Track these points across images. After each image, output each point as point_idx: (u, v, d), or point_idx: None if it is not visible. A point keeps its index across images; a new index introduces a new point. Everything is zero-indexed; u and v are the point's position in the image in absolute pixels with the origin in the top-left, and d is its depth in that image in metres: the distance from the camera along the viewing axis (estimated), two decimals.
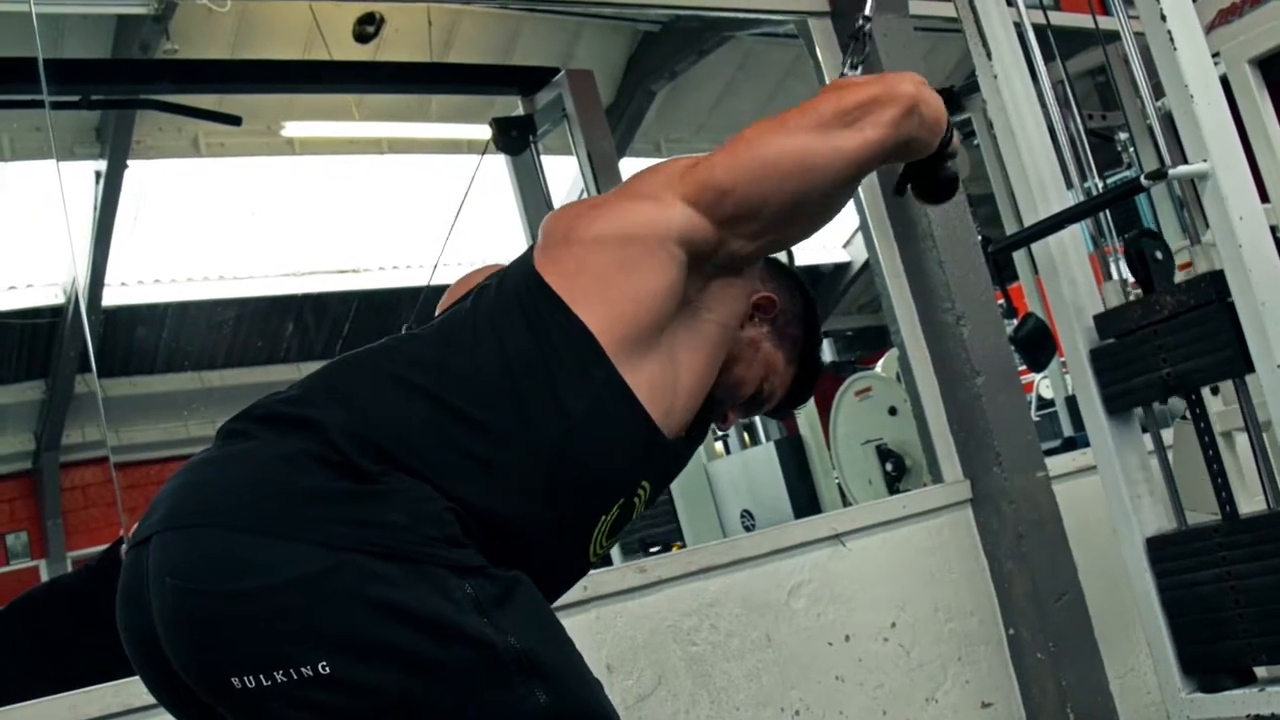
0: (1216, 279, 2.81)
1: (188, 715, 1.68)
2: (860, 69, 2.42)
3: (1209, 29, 4.06)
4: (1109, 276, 3.19)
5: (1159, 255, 3.01)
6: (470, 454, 1.66)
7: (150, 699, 2.57)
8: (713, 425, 2.16)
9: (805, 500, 5.96)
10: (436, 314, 2.04)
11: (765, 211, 1.80)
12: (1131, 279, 3.13)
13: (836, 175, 1.80)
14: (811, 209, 1.86)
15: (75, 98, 5.46)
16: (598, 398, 1.73)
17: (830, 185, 1.82)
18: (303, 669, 1.49)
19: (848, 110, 1.77)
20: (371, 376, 1.74)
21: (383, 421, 1.66)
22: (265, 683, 1.50)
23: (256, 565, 1.52)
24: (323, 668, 1.50)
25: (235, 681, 1.51)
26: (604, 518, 1.80)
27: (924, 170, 2.04)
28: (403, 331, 1.95)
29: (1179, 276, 3.05)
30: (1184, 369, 2.88)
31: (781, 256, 2.22)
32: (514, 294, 1.80)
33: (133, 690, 2.61)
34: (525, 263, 1.85)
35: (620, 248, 1.78)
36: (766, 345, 2.05)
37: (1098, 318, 3.09)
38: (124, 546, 1.69)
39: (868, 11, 2.45)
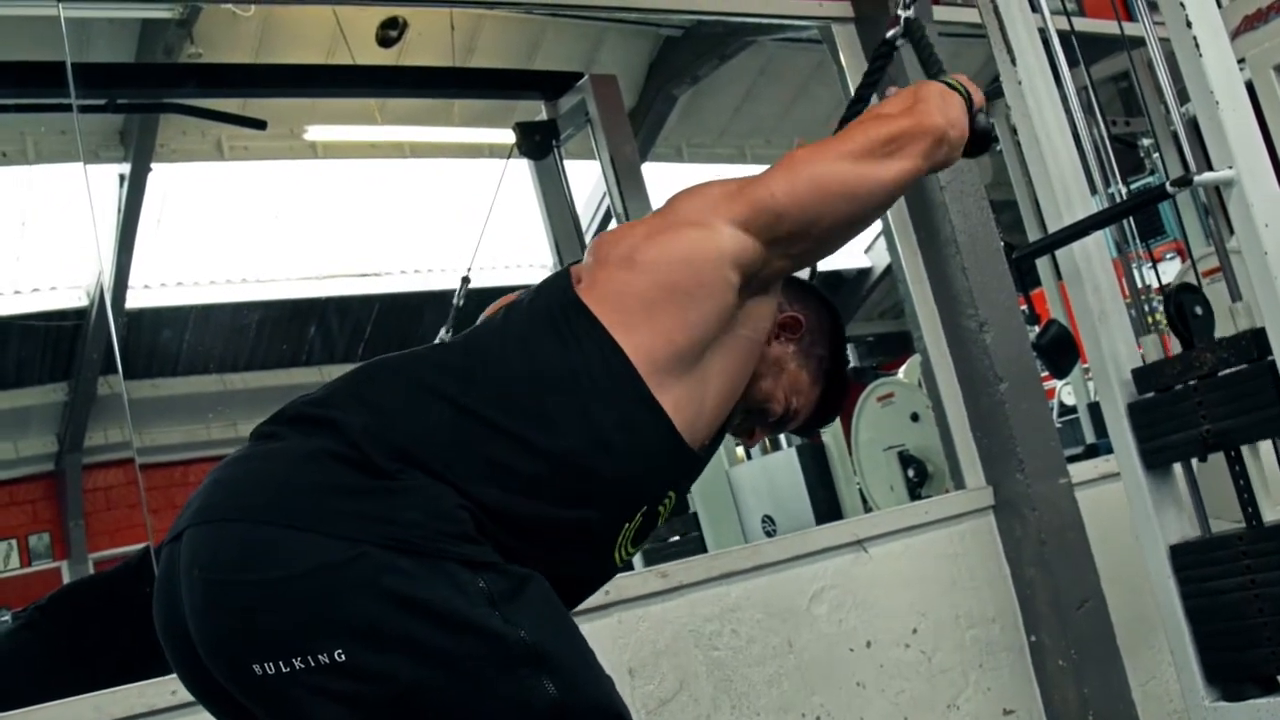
0: (1258, 337, 2.79)
1: (222, 711, 1.74)
2: (913, 8, 2.51)
3: (1234, 35, 4.05)
4: (1147, 330, 3.17)
5: (1199, 310, 2.98)
6: (490, 458, 1.71)
7: (174, 700, 2.63)
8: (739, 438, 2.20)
9: (827, 506, 5.95)
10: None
11: (813, 232, 1.90)
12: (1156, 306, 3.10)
13: (876, 200, 1.94)
14: (848, 230, 1.97)
15: (102, 101, 5.49)
16: (628, 415, 1.79)
17: (870, 209, 1.96)
18: (320, 656, 1.55)
19: (884, 142, 1.92)
20: (396, 381, 1.80)
21: (403, 424, 1.71)
22: (284, 669, 1.56)
23: (279, 556, 1.58)
24: (338, 655, 1.55)
25: (256, 668, 1.57)
26: (627, 525, 1.84)
27: None
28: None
29: (1205, 283, 3.04)
30: (1224, 427, 2.83)
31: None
32: (546, 311, 1.85)
33: (157, 691, 2.63)
34: (561, 283, 1.90)
35: (671, 274, 1.83)
36: (792, 364, 2.11)
37: (1136, 372, 3.06)
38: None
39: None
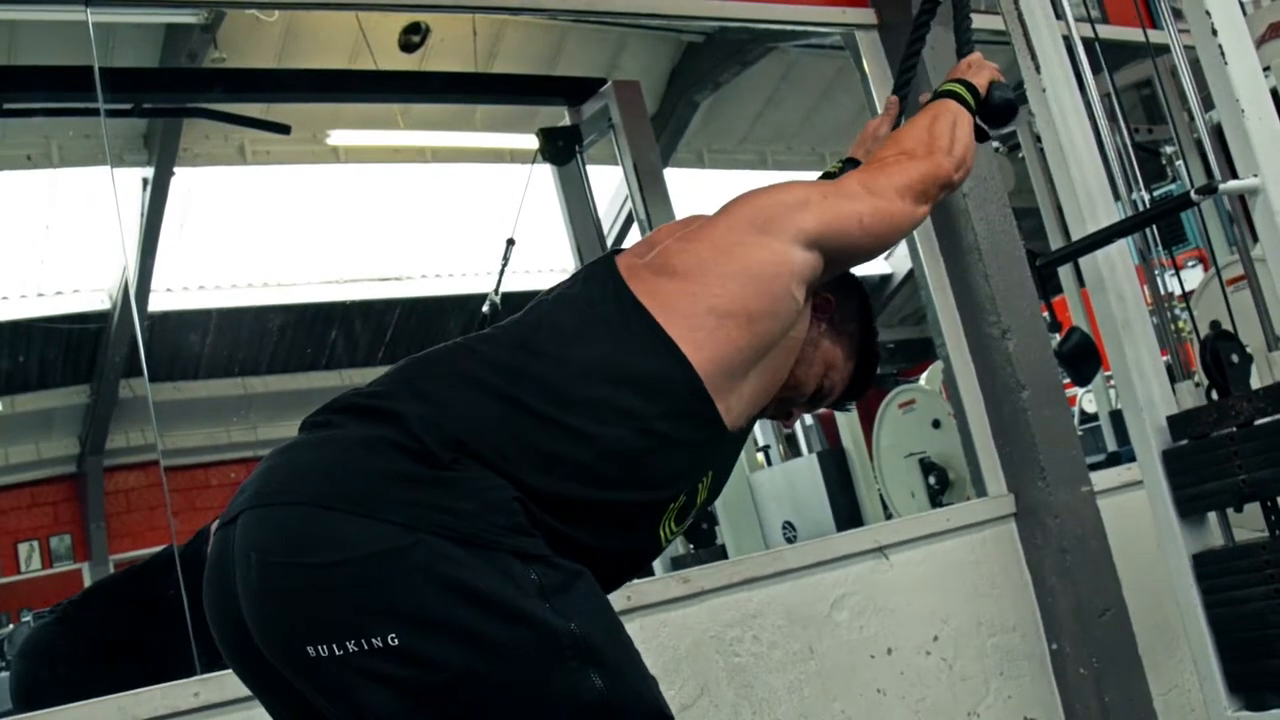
0: None
1: (269, 694, 1.77)
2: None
3: (1260, 42, 4.03)
4: (1182, 377, 3.15)
5: (1235, 359, 2.95)
6: (540, 448, 1.73)
7: (195, 703, 2.64)
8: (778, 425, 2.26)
9: (847, 512, 5.94)
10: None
11: (861, 256, 2.06)
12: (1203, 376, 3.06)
13: (905, 233, 2.14)
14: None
15: (128, 105, 5.51)
16: (678, 408, 1.83)
17: (899, 239, 2.19)
18: (373, 640, 1.57)
19: (918, 182, 2.10)
20: (448, 374, 1.82)
21: (457, 415, 1.73)
22: (338, 652, 1.58)
23: (335, 540, 1.61)
24: (392, 640, 1.57)
25: (310, 650, 1.59)
26: (672, 505, 1.87)
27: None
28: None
29: (1230, 291, 3.03)
30: (1261, 477, 2.79)
31: None
32: (601, 308, 1.89)
33: (180, 693, 2.65)
34: (614, 280, 1.93)
35: (743, 290, 1.89)
36: (825, 343, 2.16)
37: (1171, 419, 3.03)
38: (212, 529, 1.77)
39: None
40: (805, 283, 1.93)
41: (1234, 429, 2.85)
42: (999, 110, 2.41)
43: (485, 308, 5.82)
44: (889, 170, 2.10)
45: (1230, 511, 3.02)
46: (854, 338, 2.21)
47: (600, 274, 1.98)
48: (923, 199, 2.10)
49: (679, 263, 1.92)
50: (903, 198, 2.06)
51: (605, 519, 1.78)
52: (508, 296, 5.73)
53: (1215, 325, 2.99)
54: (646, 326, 1.84)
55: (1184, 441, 3.00)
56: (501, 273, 5.93)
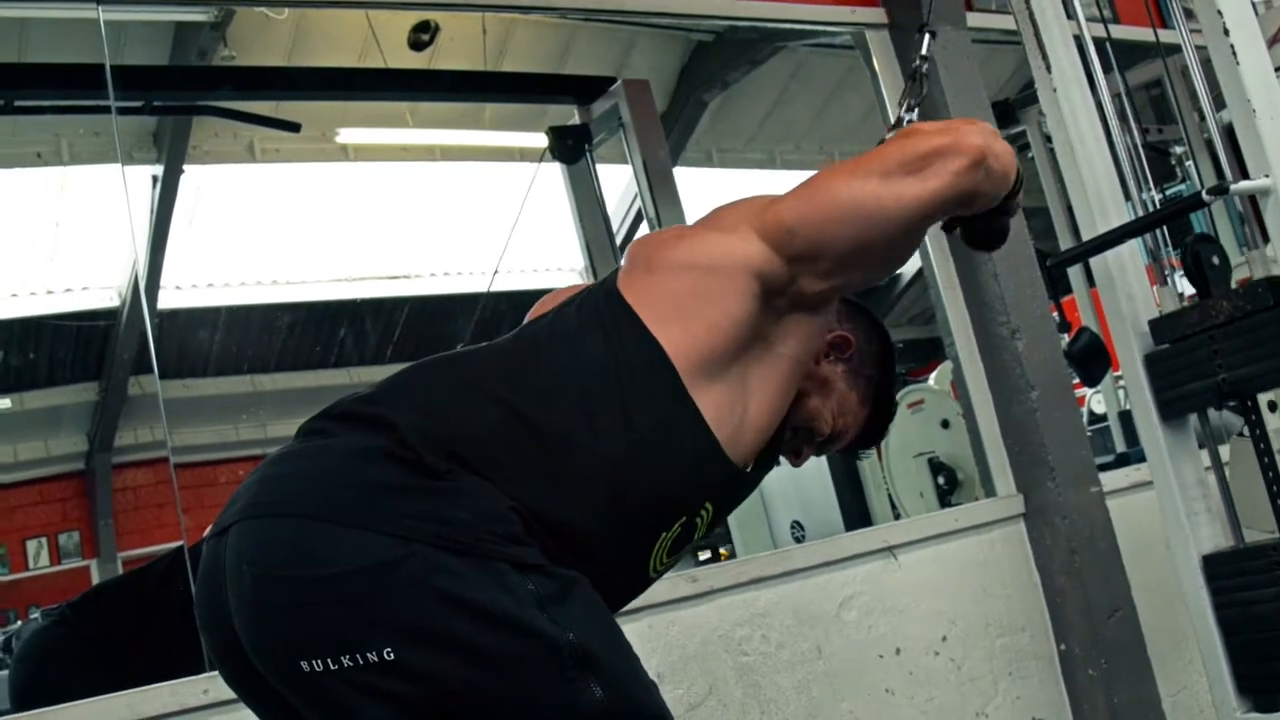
0: (1274, 285, 2.78)
1: (262, 705, 1.74)
2: (916, 111, 2.40)
3: (1271, 42, 4.02)
4: (1164, 282, 3.16)
5: (1215, 261, 2.97)
6: (536, 459, 1.70)
7: (205, 699, 2.64)
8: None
9: (856, 512, 5.94)
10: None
11: (829, 253, 1.83)
12: (1188, 290, 3.10)
13: (899, 222, 1.82)
14: (876, 253, 1.87)
15: (138, 103, 5.52)
16: (666, 415, 1.78)
17: (892, 231, 1.83)
18: (368, 654, 1.55)
19: (913, 159, 1.80)
20: (446, 381, 1.80)
21: (453, 423, 1.71)
22: (333, 666, 1.55)
23: (330, 553, 1.58)
24: (387, 654, 1.55)
25: (304, 665, 1.57)
26: (665, 534, 1.83)
27: (979, 217, 2.01)
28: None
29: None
30: (1240, 375, 2.83)
31: None
32: (594, 312, 1.86)
33: (189, 689, 2.65)
34: (608, 284, 1.90)
35: (699, 276, 1.83)
36: (840, 384, 2.09)
37: (1153, 323, 3.06)
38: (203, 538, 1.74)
39: (924, 50, 2.46)
40: (760, 277, 1.81)
41: (1213, 329, 2.88)
42: (999, 232, 2.07)
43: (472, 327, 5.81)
44: (876, 150, 1.86)
45: (1236, 515, 3.02)
46: (871, 382, 2.13)
47: (601, 281, 1.96)
48: (919, 173, 1.79)
49: (647, 255, 1.91)
50: (878, 177, 1.78)
51: (595, 541, 1.74)
52: (515, 296, 5.74)
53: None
54: (626, 316, 1.81)
55: (1165, 345, 3.03)
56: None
